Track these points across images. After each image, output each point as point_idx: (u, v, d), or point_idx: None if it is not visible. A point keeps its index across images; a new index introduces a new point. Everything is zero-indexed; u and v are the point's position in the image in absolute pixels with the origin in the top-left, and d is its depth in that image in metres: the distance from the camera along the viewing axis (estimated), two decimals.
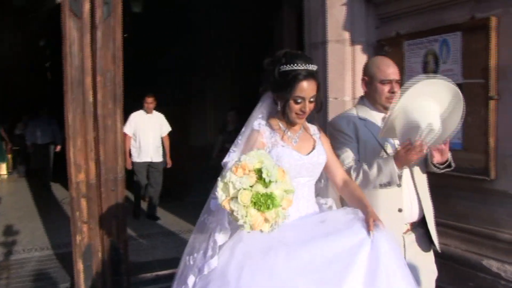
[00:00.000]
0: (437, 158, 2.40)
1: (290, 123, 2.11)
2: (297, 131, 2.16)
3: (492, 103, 3.00)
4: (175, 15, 8.23)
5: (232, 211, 1.71)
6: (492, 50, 2.98)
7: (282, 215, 1.72)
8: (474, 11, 3.12)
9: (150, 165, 6.80)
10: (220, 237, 1.96)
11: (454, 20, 3.21)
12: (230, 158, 2.03)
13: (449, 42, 3.25)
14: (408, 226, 2.49)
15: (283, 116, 2.08)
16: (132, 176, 6.64)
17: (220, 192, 1.74)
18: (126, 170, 5.96)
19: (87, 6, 3.50)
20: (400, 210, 2.42)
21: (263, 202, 1.68)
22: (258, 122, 2.10)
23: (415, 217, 2.50)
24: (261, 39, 6.02)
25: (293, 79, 1.99)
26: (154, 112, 6.77)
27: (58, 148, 9.37)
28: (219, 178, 1.76)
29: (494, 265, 2.95)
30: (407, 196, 2.46)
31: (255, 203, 1.68)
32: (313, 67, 2.03)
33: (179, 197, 7.75)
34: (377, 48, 3.82)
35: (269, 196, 1.69)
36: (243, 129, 2.15)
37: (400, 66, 3.56)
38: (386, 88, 2.47)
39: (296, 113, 2.05)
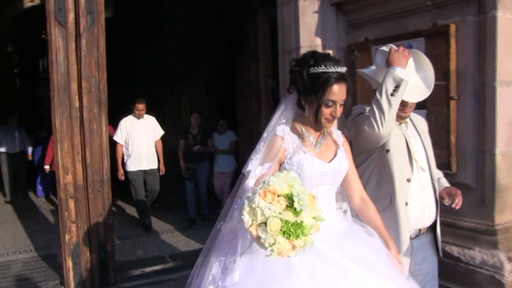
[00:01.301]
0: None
1: (314, 128, 2.04)
2: (320, 136, 2.08)
3: (453, 103, 3.28)
4: (148, 20, 8.35)
5: (259, 237, 1.63)
6: (452, 54, 3.25)
7: (311, 242, 1.65)
8: (435, 18, 3.41)
9: (145, 172, 6.27)
10: (241, 249, 1.87)
11: (418, 27, 3.49)
12: (252, 167, 1.94)
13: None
14: (420, 230, 2.54)
15: (313, 121, 1.99)
16: (129, 187, 6.28)
17: (246, 216, 1.64)
18: (121, 181, 6.20)
19: (71, 16, 3.65)
20: (406, 204, 2.44)
21: (293, 232, 1.61)
22: (281, 128, 2.00)
23: (430, 221, 2.55)
24: (236, 45, 6.21)
25: (324, 82, 1.90)
26: (145, 115, 6.28)
27: (30, 156, 9.01)
28: (245, 200, 1.67)
29: (455, 250, 3.23)
30: (427, 200, 2.51)
31: (284, 232, 1.61)
32: (343, 69, 1.95)
33: (156, 199, 7.80)
34: (347, 53, 4.07)
35: (299, 226, 1.61)
36: (264, 134, 2.04)
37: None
38: None
39: (326, 118, 1.97)
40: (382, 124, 2.29)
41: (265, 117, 5.02)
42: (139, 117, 6.18)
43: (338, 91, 1.93)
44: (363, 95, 3.97)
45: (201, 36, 7.87)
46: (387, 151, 2.44)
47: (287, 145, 1.97)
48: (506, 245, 3.05)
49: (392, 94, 2.27)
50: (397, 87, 2.27)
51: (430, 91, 2.46)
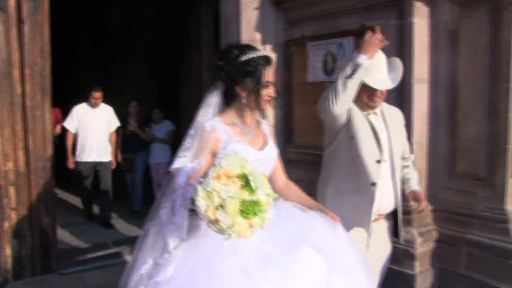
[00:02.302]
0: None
1: (245, 117, 2.10)
2: (251, 125, 2.13)
3: None
4: (92, 6, 8.20)
5: (217, 220, 1.62)
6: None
7: (267, 220, 1.67)
8: (363, 20, 3.75)
9: (96, 165, 5.88)
10: (172, 245, 1.88)
11: (348, 27, 3.83)
12: (182, 164, 1.94)
13: (344, 45, 3.86)
14: (380, 215, 2.67)
15: (253, 105, 2.05)
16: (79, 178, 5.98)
17: (201, 202, 1.64)
18: (73, 170, 5.94)
19: (12, 0, 3.63)
20: (373, 184, 2.56)
21: (251, 210, 1.62)
22: (209, 123, 2.01)
23: (387, 209, 2.68)
24: (179, 37, 6.31)
25: (258, 65, 2.00)
26: (102, 104, 5.88)
27: None
28: (197, 186, 1.66)
29: None
30: (385, 190, 2.62)
31: (242, 211, 1.62)
32: (266, 52, 2.09)
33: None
34: (285, 48, 4.35)
35: (256, 203, 1.64)
36: (191, 131, 2.03)
37: (304, 64, 4.17)
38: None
39: (265, 99, 2.05)
40: (335, 102, 2.51)
41: None
42: (94, 105, 5.79)
43: (270, 72, 2.05)
44: (298, 88, 4.29)
45: (145, 24, 7.86)
46: (352, 137, 2.62)
47: (220, 135, 2.00)
48: (419, 222, 3.47)
49: (348, 77, 2.49)
50: (355, 71, 2.49)
51: (394, 86, 2.67)
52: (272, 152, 2.17)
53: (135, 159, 6.32)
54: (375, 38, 2.56)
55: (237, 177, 1.66)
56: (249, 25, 4.28)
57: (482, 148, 3.36)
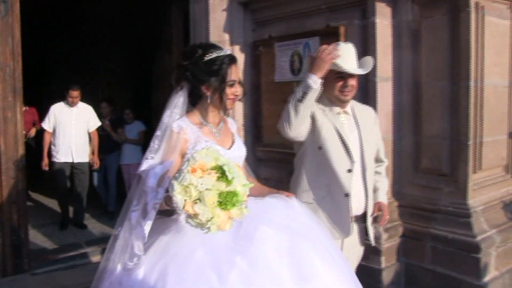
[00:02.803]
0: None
1: (213, 116, 2.09)
2: (218, 124, 2.13)
3: None
4: (64, 6, 8.14)
5: (196, 214, 1.60)
6: None
7: (246, 210, 1.68)
8: (328, 20, 3.81)
9: (73, 165, 5.67)
10: (140, 248, 1.87)
11: (314, 27, 3.88)
12: (149, 166, 1.93)
13: (310, 45, 3.90)
14: (352, 218, 2.56)
15: (218, 105, 2.05)
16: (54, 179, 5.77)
17: (178, 197, 1.61)
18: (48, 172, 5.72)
19: None
20: (347, 195, 2.50)
21: (229, 200, 1.61)
22: (176, 124, 1.99)
23: (359, 211, 2.59)
24: (152, 35, 6.30)
25: (223, 64, 1.99)
26: (80, 103, 5.70)
27: None
28: (173, 182, 1.64)
29: None
30: (355, 190, 2.54)
31: (220, 203, 1.61)
32: (230, 51, 2.08)
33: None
34: (253, 48, 4.39)
35: (234, 194, 1.63)
36: (158, 133, 2.02)
37: (271, 64, 4.21)
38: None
39: (230, 98, 2.04)
40: (289, 127, 2.43)
41: None
42: (72, 104, 5.60)
43: (235, 71, 2.04)
44: (266, 87, 4.32)
45: (117, 25, 7.82)
46: (319, 148, 2.53)
47: (188, 136, 1.98)
48: (390, 217, 3.52)
49: (300, 100, 2.37)
50: (305, 93, 2.35)
51: (365, 72, 2.60)
52: (240, 150, 2.17)
53: (108, 159, 6.27)
54: (326, 54, 2.36)
55: (212, 169, 1.64)
56: (218, 26, 4.30)
57: (445, 144, 3.44)
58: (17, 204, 3.88)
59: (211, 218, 1.60)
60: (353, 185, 2.54)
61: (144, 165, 1.94)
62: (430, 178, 3.53)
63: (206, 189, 1.60)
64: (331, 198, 2.55)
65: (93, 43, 8.24)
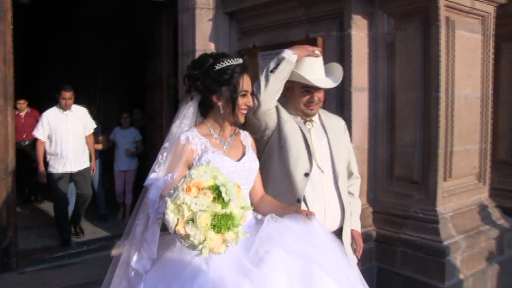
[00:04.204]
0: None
1: (222, 128, 2.02)
2: (228, 136, 2.05)
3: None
4: (59, 11, 8.32)
5: (188, 236, 1.51)
6: None
7: (242, 234, 1.57)
8: (308, 31, 3.95)
9: (73, 175, 5.23)
10: (144, 266, 1.82)
11: (294, 38, 4.01)
12: (155, 178, 1.87)
13: None
14: None
15: (229, 115, 1.97)
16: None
17: (171, 216, 1.52)
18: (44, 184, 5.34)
19: None
20: (299, 201, 2.36)
21: (224, 224, 1.52)
22: (185, 136, 1.93)
23: (334, 227, 2.44)
24: (144, 42, 6.45)
25: (235, 73, 1.93)
26: (74, 106, 5.25)
27: None
28: (166, 199, 1.55)
29: None
30: (328, 203, 2.42)
31: (214, 226, 1.51)
32: (242, 61, 2.01)
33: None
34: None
35: (229, 217, 1.53)
36: (165, 144, 1.96)
37: (255, 72, 4.34)
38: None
39: (242, 108, 1.97)
40: (258, 99, 2.29)
41: (166, 115, 5.37)
42: (65, 108, 5.15)
43: (247, 81, 1.97)
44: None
45: (112, 31, 8.00)
46: (281, 147, 2.43)
47: (195, 146, 1.91)
48: (364, 223, 3.65)
49: (271, 71, 2.29)
50: (278, 64, 2.28)
51: (334, 85, 2.47)
52: (251, 163, 2.06)
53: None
54: (309, 46, 2.41)
55: (209, 188, 1.55)
56: (204, 35, 4.44)
57: (416, 153, 3.57)
58: (6, 205, 4.01)
59: (203, 241, 1.51)
60: (324, 194, 2.42)
61: (150, 178, 1.89)
62: (403, 185, 3.65)
63: (200, 210, 1.51)
64: (291, 203, 2.33)
65: (87, 50, 8.41)
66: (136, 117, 6.55)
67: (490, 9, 3.83)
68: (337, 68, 2.55)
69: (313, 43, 3.86)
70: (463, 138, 3.64)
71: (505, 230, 3.80)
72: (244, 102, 1.98)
